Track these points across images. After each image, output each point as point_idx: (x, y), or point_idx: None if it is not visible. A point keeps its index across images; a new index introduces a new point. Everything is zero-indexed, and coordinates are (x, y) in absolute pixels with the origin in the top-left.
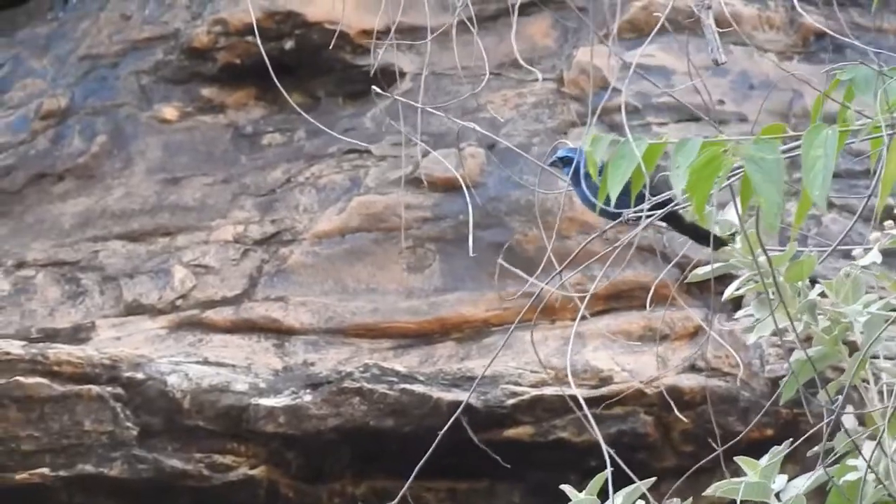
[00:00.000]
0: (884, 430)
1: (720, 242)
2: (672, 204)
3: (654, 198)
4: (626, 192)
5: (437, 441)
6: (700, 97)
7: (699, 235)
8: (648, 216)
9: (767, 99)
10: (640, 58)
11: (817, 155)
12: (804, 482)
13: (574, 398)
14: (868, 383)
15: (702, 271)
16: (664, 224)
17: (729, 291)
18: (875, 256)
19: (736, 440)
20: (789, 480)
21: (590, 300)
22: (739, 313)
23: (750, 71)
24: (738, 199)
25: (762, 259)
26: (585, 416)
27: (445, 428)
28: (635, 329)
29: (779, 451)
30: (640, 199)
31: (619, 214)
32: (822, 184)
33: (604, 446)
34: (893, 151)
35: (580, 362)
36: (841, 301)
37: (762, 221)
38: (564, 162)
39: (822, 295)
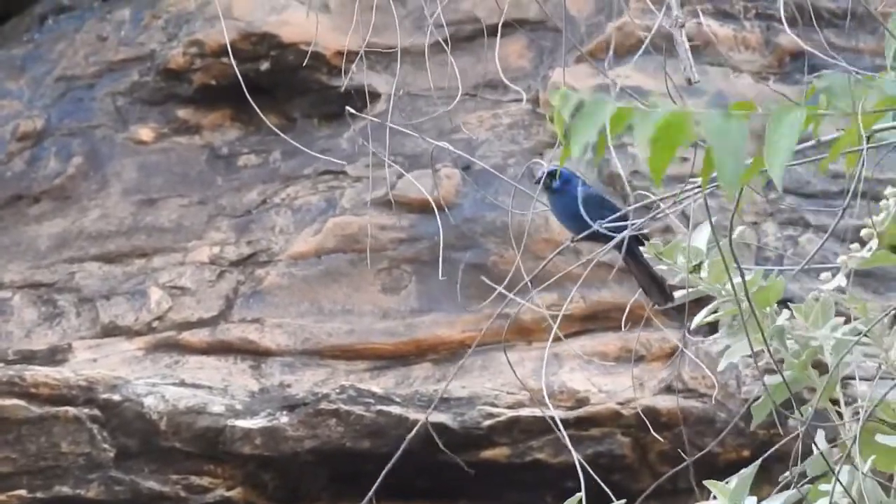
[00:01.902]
0: (855, 451)
1: (670, 296)
2: (638, 223)
3: (619, 212)
4: (597, 206)
5: (395, 457)
6: None
7: (653, 280)
8: (619, 234)
9: None
10: (616, 78)
11: (783, 134)
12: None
13: (551, 419)
14: (840, 405)
15: (678, 294)
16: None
17: (698, 319)
18: (841, 280)
19: (712, 461)
20: (760, 502)
21: (566, 321)
22: (714, 336)
23: (726, 91)
24: (707, 223)
25: (732, 284)
26: (562, 437)
27: (406, 441)
28: (612, 350)
29: (747, 474)
30: (612, 212)
31: (590, 226)
32: (781, 163)
33: (580, 466)
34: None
35: (557, 383)
36: (810, 325)
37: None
38: (550, 175)
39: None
